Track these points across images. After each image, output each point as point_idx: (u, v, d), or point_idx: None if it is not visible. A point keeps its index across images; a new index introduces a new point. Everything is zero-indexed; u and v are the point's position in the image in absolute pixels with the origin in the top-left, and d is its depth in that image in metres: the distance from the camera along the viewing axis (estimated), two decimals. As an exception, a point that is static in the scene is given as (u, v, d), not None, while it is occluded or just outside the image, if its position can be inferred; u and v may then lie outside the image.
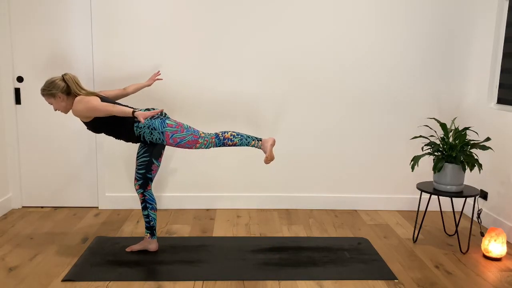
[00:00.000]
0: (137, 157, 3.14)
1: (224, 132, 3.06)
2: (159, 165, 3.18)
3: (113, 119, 2.99)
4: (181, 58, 3.95)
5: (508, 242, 3.52)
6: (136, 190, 3.14)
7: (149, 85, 3.55)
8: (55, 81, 2.97)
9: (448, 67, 4.08)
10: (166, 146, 3.27)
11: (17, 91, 3.95)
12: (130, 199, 4.14)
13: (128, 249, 3.21)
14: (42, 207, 4.15)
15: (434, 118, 3.54)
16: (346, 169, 4.20)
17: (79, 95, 2.97)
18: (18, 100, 3.97)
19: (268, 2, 3.90)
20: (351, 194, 4.25)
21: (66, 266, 2.98)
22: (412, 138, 3.56)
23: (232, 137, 3.05)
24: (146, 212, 3.13)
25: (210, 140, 3.03)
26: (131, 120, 2.99)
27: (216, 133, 3.06)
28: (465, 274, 2.99)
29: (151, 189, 3.15)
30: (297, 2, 3.91)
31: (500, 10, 3.78)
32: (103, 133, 3.11)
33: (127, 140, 3.09)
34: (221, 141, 3.04)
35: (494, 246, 3.18)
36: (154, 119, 3.01)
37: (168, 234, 3.57)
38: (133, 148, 4.06)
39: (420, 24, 3.99)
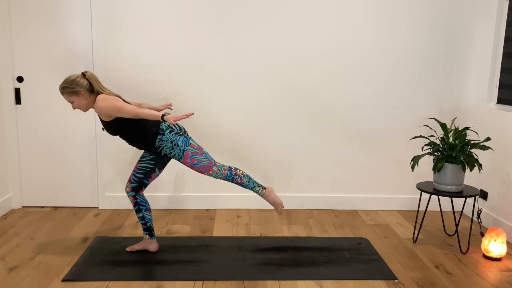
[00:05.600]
0: (140, 160, 3.13)
1: (236, 169, 3.15)
2: (159, 175, 3.15)
3: (137, 126, 2.95)
4: (183, 57, 3.95)
5: (508, 242, 3.52)
6: (127, 192, 3.11)
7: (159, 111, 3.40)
8: (76, 79, 2.88)
9: (448, 67, 4.08)
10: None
11: (17, 91, 3.95)
12: (130, 199, 4.14)
13: (128, 249, 3.21)
14: (42, 207, 4.15)
15: (434, 118, 3.54)
16: (346, 169, 4.20)
17: (101, 93, 2.93)
18: (18, 100, 3.97)
19: (266, 3, 3.90)
20: (351, 194, 4.25)
21: (66, 266, 2.98)
22: (412, 138, 3.56)
23: (242, 175, 3.15)
24: (140, 214, 3.12)
25: (223, 171, 3.10)
26: (155, 131, 2.97)
27: (229, 167, 3.13)
28: (465, 274, 2.99)
29: (143, 193, 3.12)
30: (297, 2, 3.91)
31: (500, 10, 3.78)
32: (118, 136, 3.05)
33: (140, 148, 3.05)
34: (231, 175, 3.12)
35: (494, 246, 3.18)
36: (179, 135, 3.00)
37: (168, 234, 3.57)
38: (135, 148, 4.06)
39: (420, 24, 3.99)
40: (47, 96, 3.96)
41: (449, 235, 3.67)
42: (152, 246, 3.19)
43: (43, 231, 3.59)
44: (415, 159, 3.32)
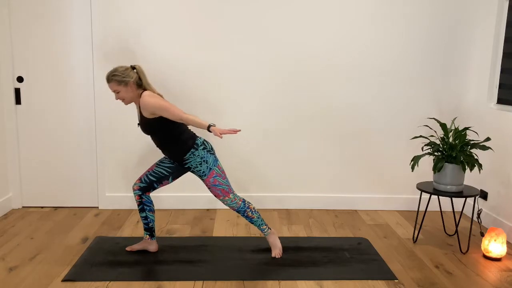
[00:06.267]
0: (157, 164, 3.11)
1: (249, 203, 3.16)
2: (170, 183, 3.16)
3: (175, 133, 2.93)
4: (183, 56, 3.95)
5: (508, 242, 3.52)
6: (134, 190, 3.10)
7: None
8: (127, 70, 2.88)
9: (448, 67, 4.08)
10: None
11: (17, 91, 3.95)
12: (130, 199, 4.14)
13: (128, 249, 3.21)
14: (42, 207, 4.15)
15: (434, 118, 3.54)
16: (346, 169, 4.20)
17: (147, 89, 2.93)
18: (18, 100, 3.97)
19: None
20: (351, 194, 4.25)
21: (66, 266, 2.98)
22: (412, 138, 3.56)
23: (254, 210, 3.14)
24: (144, 214, 3.12)
25: (238, 200, 3.10)
26: (190, 144, 2.96)
27: (244, 199, 3.14)
28: (465, 274, 2.99)
29: (149, 194, 3.13)
30: (294, 2, 3.92)
31: (500, 10, 3.78)
32: (150, 136, 3.03)
33: (167, 154, 3.03)
34: (244, 207, 3.12)
35: (494, 246, 3.18)
36: (210, 154, 3.01)
37: (168, 234, 3.57)
38: (135, 149, 4.06)
39: (420, 24, 3.99)
40: (47, 96, 3.96)
41: (449, 235, 3.67)
42: (152, 246, 3.19)
43: (43, 231, 3.59)
44: (415, 159, 3.32)
